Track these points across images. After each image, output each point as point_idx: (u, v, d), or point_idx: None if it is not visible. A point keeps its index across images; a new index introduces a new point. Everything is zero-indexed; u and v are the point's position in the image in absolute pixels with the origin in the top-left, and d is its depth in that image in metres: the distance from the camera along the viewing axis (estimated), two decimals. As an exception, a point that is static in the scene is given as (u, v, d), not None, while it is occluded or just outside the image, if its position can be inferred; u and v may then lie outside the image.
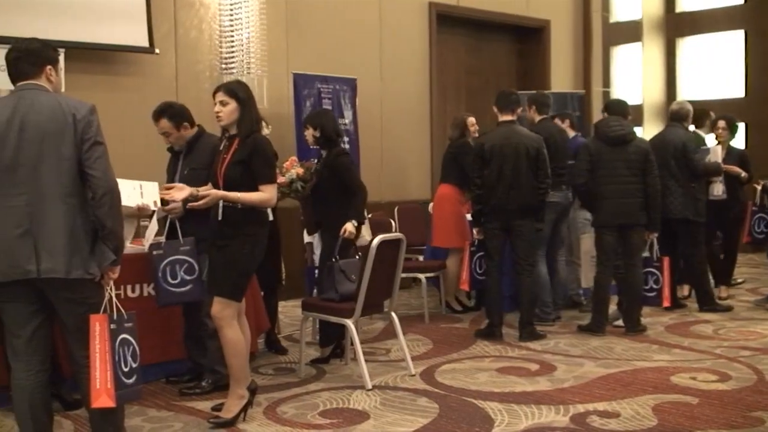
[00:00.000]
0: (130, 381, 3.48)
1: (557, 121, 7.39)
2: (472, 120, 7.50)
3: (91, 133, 3.36)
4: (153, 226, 5.02)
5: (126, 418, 3.79)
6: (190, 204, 4.44)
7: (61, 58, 4.21)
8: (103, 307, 3.43)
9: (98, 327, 3.38)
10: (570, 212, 7.22)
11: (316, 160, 6.00)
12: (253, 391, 4.52)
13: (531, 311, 6.36)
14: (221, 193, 4.27)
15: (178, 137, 5.02)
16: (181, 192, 4.44)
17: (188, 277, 4.72)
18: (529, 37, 11.03)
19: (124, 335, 3.46)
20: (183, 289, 4.73)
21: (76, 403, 4.53)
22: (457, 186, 7.36)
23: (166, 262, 4.72)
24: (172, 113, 5.00)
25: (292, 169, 5.59)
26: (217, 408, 4.54)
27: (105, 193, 3.35)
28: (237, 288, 4.35)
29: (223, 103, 4.33)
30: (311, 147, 6.03)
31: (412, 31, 9.48)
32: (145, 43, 7.20)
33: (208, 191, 4.29)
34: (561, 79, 11.03)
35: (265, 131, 5.96)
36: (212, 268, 4.43)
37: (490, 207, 6.25)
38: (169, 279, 4.69)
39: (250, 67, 7.63)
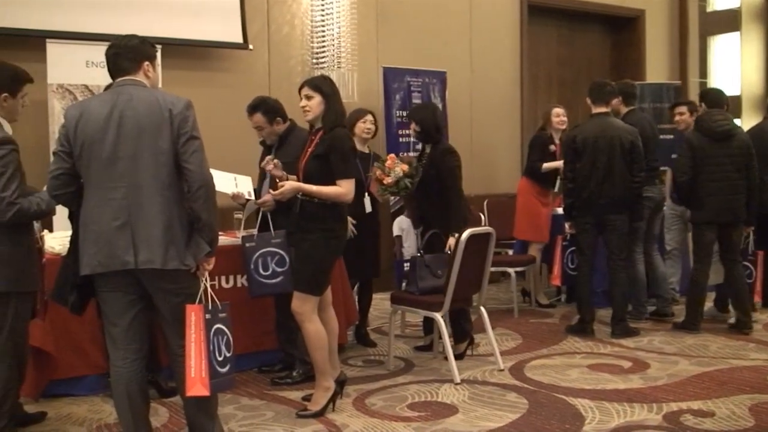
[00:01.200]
0: (224, 370, 3.55)
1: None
2: (556, 111, 7.39)
3: (188, 128, 3.44)
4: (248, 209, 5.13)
5: (219, 406, 3.87)
6: (272, 193, 4.46)
7: (158, 54, 4.32)
8: (198, 298, 3.51)
9: (194, 317, 3.46)
10: (664, 207, 7.04)
11: (415, 154, 5.97)
12: (342, 382, 4.57)
13: (624, 307, 6.24)
14: (297, 184, 4.33)
15: (271, 132, 5.11)
16: (288, 187, 4.38)
17: (279, 269, 4.79)
18: (622, 26, 10.80)
19: (218, 325, 3.53)
20: (274, 280, 4.81)
21: (172, 390, 4.66)
22: (530, 179, 7.32)
23: (258, 254, 4.80)
24: (266, 108, 5.09)
25: (395, 167, 5.49)
26: (307, 398, 4.61)
27: (200, 186, 3.42)
28: (315, 282, 4.39)
29: (308, 97, 4.40)
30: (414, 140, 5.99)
31: (502, 22, 9.40)
32: (239, 40, 7.33)
33: (284, 188, 4.34)
34: (656, 69, 10.76)
35: (370, 125, 6.04)
36: (298, 263, 4.48)
37: (581, 201, 6.15)
38: (261, 271, 4.77)
39: (340, 62, 7.68)
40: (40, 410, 4.52)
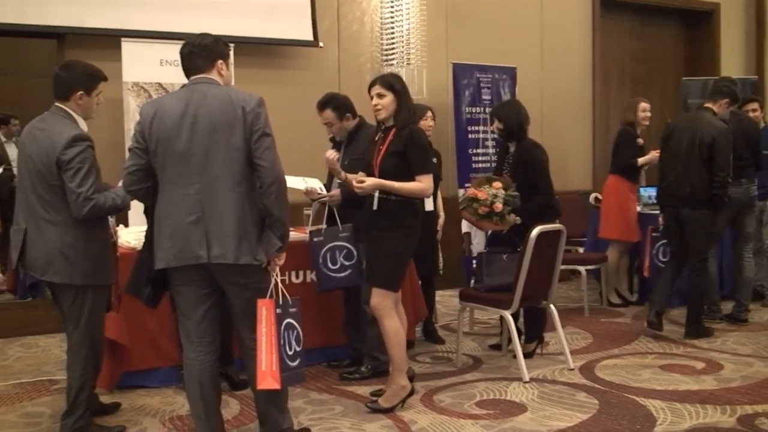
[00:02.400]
0: (294, 364, 3.58)
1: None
2: (643, 105, 7.12)
3: (260, 125, 3.48)
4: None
5: (289, 400, 3.90)
6: (355, 186, 4.40)
7: (231, 52, 4.38)
8: (269, 292, 3.55)
9: (265, 311, 3.50)
10: (755, 205, 6.78)
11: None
12: (410, 378, 4.57)
13: (699, 309, 6.10)
14: (379, 180, 4.33)
15: (340, 128, 5.13)
16: (367, 183, 4.34)
17: (347, 263, 4.80)
18: (697, 21, 10.55)
19: (288, 319, 3.56)
20: (342, 274, 4.82)
21: (243, 383, 4.72)
22: (622, 176, 7.14)
23: (326, 248, 4.82)
24: (337, 104, 5.11)
25: (489, 192, 5.24)
26: (376, 393, 4.62)
27: (272, 182, 3.46)
28: (393, 278, 4.40)
29: (380, 96, 4.39)
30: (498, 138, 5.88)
31: (574, 17, 9.27)
32: (310, 37, 7.39)
33: (367, 182, 4.34)
34: (731, 64, 10.46)
35: (430, 122, 6.02)
36: (369, 259, 4.50)
37: (661, 190, 6.14)
38: (330, 264, 4.79)
39: (409, 58, 7.68)
40: (115, 401, 4.63)
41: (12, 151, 7.53)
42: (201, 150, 3.47)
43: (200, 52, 3.61)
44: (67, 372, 4.05)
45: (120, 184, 3.95)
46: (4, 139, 7.85)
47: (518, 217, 5.13)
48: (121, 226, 5.22)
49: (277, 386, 3.50)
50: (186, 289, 3.59)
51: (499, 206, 5.03)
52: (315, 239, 4.86)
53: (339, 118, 5.10)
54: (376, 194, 4.37)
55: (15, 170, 6.92)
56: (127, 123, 6.38)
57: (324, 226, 5.08)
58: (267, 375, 3.49)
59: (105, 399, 4.59)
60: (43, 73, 6.89)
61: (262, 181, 3.47)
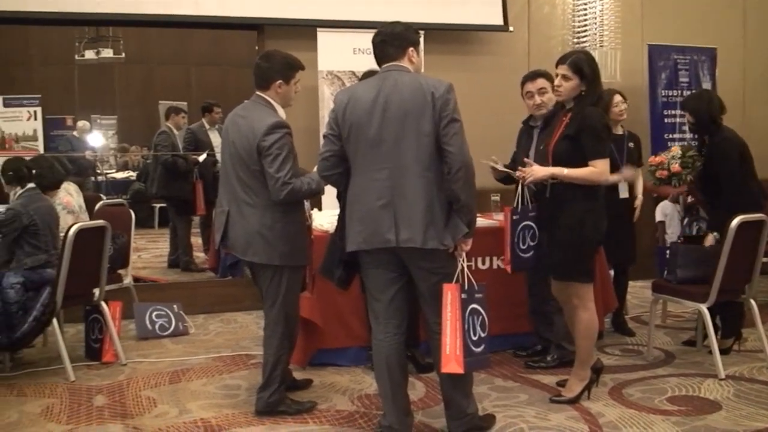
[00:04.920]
0: (479, 350, 3.59)
1: None
2: None
3: (449, 111, 3.50)
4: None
5: (474, 386, 3.92)
6: (518, 177, 4.34)
7: (421, 39, 4.42)
8: (455, 277, 3.58)
9: (450, 295, 3.53)
10: None
11: (680, 136, 5.64)
12: (598, 370, 4.46)
13: None
14: (544, 169, 4.20)
15: (550, 98, 4.96)
16: (537, 171, 4.27)
17: (532, 243, 4.70)
18: None
19: (474, 305, 3.57)
20: (528, 255, 4.70)
21: (429, 366, 4.79)
22: None
23: (520, 227, 4.72)
24: (549, 76, 5.00)
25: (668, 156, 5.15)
26: (562, 383, 4.56)
27: (460, 167, 3.47)
28: (580, 268, 4.26)
29: (565, 78, 4.23)
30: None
31: (781, -7, 8.68)
32: (500, 22, 7.35)
33: (531, 168, 4.23)
34: None
35: (622, 107, 5.80)
36: (551, 249, 4.36)
37: None
38: (521, 245, 4.72)
39: (602, 40, 7.48)
40: (307, 377, 4.82)
41: (215, 138, 7.98)
42: (391, 136, 3.53)
43: (392, 41, 3.67)
44: (263, 348, 4.26)
45: (315, 169, 4.10)
46: (207, 127, 8.31)
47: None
48: (315, 209, 5.42)
49: (460, 370, 3.52)
50: (375, 271, 3.69)
51: (676, 167, 4.86)
52: (514, 217, 4.76)
53: (551, 87, 4.99)
54: (549, 180, 4.25)
55: (218, 156, 7.36)
56: (321, 110, 6.61)
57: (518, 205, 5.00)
58: (451, 359, 3.52)
59: (298, 375, 4.79)
60: (243, 64, 7.26)
61: (450, 166, 3.49)
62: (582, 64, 4.22)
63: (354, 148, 3.62)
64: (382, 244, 3.57)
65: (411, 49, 3.70)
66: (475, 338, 3.57)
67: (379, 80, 3.65)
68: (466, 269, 3.59)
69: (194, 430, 4.08)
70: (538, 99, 5.04)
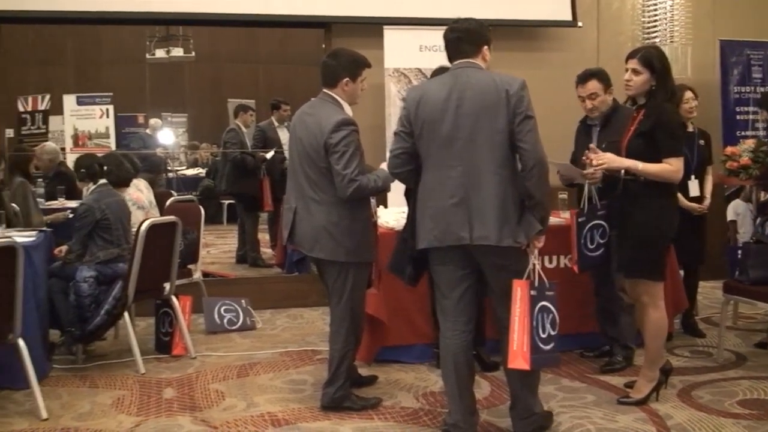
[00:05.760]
0: (547, 348, 3.55)
1: None
2: None
3: (523, 108, 3.48)
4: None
5: (540, 385, 3.90)
6: (593, 165, 4.26)
7: (489, 36, 4.39)
8: (526, 274, 3.56)
9: (520, 292, 3.51)
10: None
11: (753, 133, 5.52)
12: (667, 371, 4.38)
13: None
14: (618, 159, 4.13)
15: (603, 101, 4.92)
16: (612, 158, 4.19)
17: (602, 241, 4.62)
18: None
19: (544, 302, 3.54)
20: (597, 253, 4.62)
21: (494, 365, 4.79)
22: None
23: (588, 227, 4.67)
24: (602, 76, 4.94)
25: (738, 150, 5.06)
26: (630, 385, 4.49)
27: (534, 165, 3.46)
28: (652, 266, 4.18)
29: (635, 72, 4.16)
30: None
31: None
32: (568, 17, 7.26)
33: (605, 155, 4.16)
34: None
35: (692, 103, 5.69)
36: (620, 247, 4.31)
37: None
38: (589, 245, 4.66)
39: (673, 36, 7.33)
40: (372, 374, 4.84)
41: (284, 135, 8.07)
42: (465, 133, 3.53)
43: (468, 38, 3.66)
44: (329, 343, 4.30)
45: (382, 166, 4.11)
46: (276, 124, 8.40)
47: None
48: (381, 207, 5.43)
49: (526, 367, 3.50)
50: (445, 269, 3.68)
51: (746, 160, 4.75)
52: (579, 219, 4.73)
53: (605, 89, 4.93)
54: (622, 177, 4.18)
55: (286, 153, 7.44)
56: (387, 108, 6.62)
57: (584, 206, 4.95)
58: (518, 355, 3.51)
59: (363, 371, 4.81)
60: (310, 62, 7.31)
61: (525, 163, 3.48)
62: (652, 59, 4.16)
63: (426, 145, 3.62)
64: (455, 241, 3.57)
65: (485, 47, 3.69)
66: (544, 336, 3.54)
67: (451, 77, 3.64)
68: (537, 266, 3.56)
69: (261, 424, 4.14)
70: (588, 104, 4.99)
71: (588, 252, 4.50)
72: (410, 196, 3.86)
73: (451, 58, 3.72)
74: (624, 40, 7.51)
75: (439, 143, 3.57)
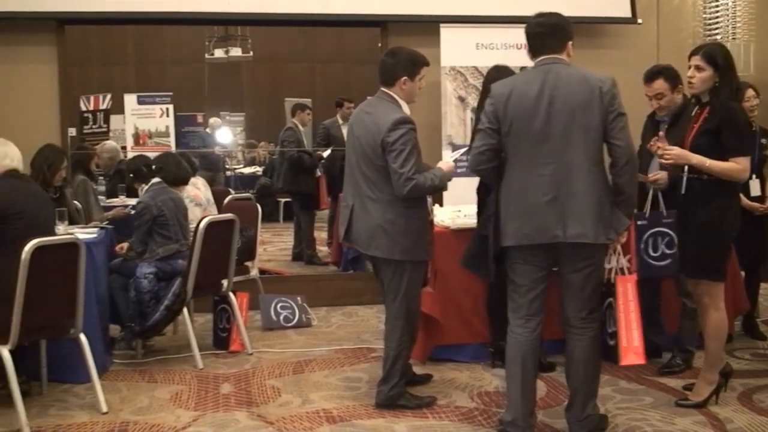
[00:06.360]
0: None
1: None
2: None
3: (616, 105, 3.49)
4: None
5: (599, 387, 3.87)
6: (661, 160, 4.18)
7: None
8: (614, 270, 3.54)
9: (628, 287, 3.53)
10: None
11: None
12: (727, 374, 4.30)
13: None
14: (687, 154, 4.03)
15: (671, 100, 4.84)
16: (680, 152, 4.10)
17: (668, 251, 4.55)
18: None
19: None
20: (662, 263, 4.56)
21: (550, 365, 4.76)
22: None
23: (649, 233, 4.60)
24: (669, 74, 4.85)
25: None
26: (688, 387, 4.42)
27: (627, 161, 3.48)
28: (715, 266, 4.10)
29: (698, 69, 4.09)
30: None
31: None
32: (628, 14, 7.17)
33: (673, 147, 4.08)
34: None
35: (754, 102, 5.58)
36: (682, 246, 4.24)
37: None
38: (650, 251, 4.60)
39: (735, 32, 7.19)
40: (427, 372, 4.84)
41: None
42: (558, 131, 3.51)
43: (555, 33, 3.64)
44: (384, 341, 4.31)
45: (438, 164, 4.11)
46: (340, 122, 8.47)
47: None
48: (436, 205, 5.43)
49: (641, 361, 3.60)
50: (524, 267, 3.65)
51: None
52: (639, 223, 4.66)
53: (671, 88, 4.83)
54: (685, 176, 4.11)
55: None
56: (443, 106, 6.61)
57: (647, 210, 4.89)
58: (629, 351, 3.56)
59: (417, 370, 4.82)
60: (366, 60, 7.36)
61: (617, 159, 3.48)
62: (716, 55, 4.09)
63: (515, 142, 3.58)
64: (548, 239, 3.54)
65: (569, 42, 3.67)
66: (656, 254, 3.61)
67: (541, 73, 3.60)
68: (624, 262, 3.55)
69: (316, 420, 4.17)
70: (655, 103, 4.91)
71: (650, 260, 4.43)
72: (484, 192, 3.81)
73: (534, 53, 3.67)
74: (684, 37, 7.38)
75: (530, 140, 3.54)
